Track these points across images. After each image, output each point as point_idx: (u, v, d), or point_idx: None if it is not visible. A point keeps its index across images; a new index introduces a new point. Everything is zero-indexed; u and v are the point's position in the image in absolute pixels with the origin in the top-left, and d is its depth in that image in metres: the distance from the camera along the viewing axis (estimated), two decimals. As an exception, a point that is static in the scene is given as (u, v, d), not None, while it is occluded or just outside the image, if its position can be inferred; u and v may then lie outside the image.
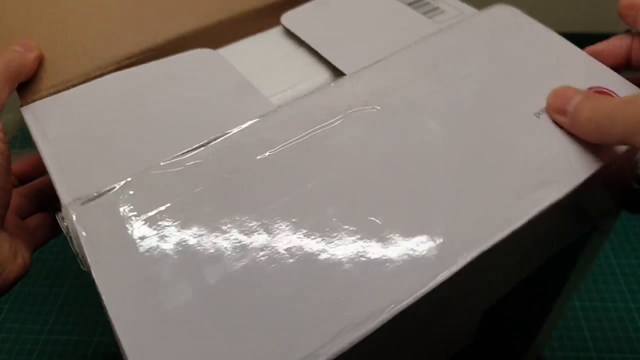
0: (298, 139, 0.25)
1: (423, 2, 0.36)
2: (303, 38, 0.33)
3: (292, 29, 0.34)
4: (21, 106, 0.30)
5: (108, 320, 0.19)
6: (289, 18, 0.35)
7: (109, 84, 0.30)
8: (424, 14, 0.35)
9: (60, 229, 0.23)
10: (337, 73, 0.31)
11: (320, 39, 0.33)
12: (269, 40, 0.35)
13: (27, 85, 0.30)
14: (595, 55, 0.29)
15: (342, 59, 0.31)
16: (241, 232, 0.22)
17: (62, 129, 0.28)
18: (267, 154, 0.24)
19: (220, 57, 0.32)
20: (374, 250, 0.21)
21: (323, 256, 0.21)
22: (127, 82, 0.30)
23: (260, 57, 0.34)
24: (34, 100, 0.30)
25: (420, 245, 0.21)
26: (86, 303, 0.59)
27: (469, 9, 0.36)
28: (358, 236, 0.21)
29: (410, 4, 0.36)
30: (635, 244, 0.62)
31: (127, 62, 0.32)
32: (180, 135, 0.26)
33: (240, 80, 0.30)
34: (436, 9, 0.36)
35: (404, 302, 0.19)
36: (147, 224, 0.22)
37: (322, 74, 0.32)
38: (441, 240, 0.21)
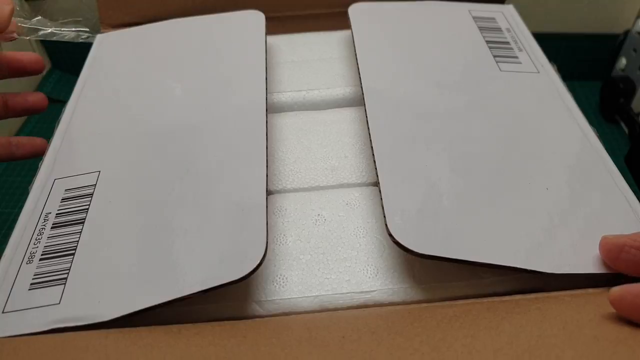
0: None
1: (505, 45, 0.32)
2: (355, 37, 0.31)
3: (352, 22, 0.32)
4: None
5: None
6: (357, 10, 0.33)
7: (163, 28, 0.33)
8: (496, 57, 0.31)
9: None
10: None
11: (371, 45, 0.31)
12: (329, 40, 0.35)
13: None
14: None
15: (372, 76, 0.29)
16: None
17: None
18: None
19: (261, 27, 0.32)
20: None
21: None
22: (179, 29, 0.33)
23: (308, 52, 0.34)
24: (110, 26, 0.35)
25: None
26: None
27: (549, 68, 0.31)
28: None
29: (489, 42, 0.32)
30: None
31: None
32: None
33: (257, 62, 0.30)
34: (514, 57, 0.31)
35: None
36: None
37: (347, 87, 0.31)
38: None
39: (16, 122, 0.48)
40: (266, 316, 0.21)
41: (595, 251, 0.21)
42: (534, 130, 0.27)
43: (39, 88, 0.50)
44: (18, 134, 0.47)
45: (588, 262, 0.21)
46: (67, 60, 0.51)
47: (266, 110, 0.26)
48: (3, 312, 0.20)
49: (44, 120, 0.49)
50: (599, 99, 0.48)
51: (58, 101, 0.50)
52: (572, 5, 0.47)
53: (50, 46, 0.51)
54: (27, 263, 0.21)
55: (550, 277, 0.21)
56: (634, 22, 0.45)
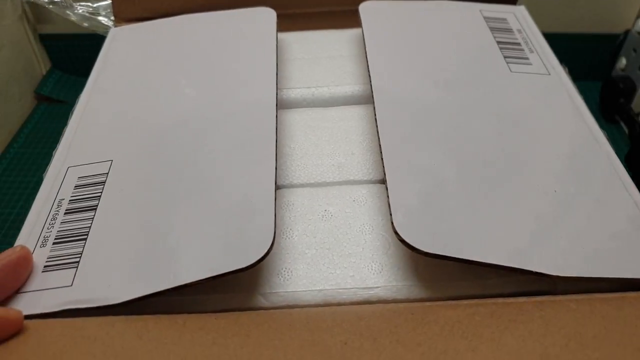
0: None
1: (516, 46, 0.32)
2: (365, 35, 0.31)
3: (363, 21, 0.32)
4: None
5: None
6: (368, 8, 0.34)
7: (175, 23, 0.34)
8: (507, 58, 0.31)
9: None
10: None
11: (381, 43, 0.31)
12: (340, 38, 0.35)
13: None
14: None
15: (382, 74, 0.29)
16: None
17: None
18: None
19: (272, 24, 0.32)
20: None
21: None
22: (191, 25, 0.34)
23: (318, 49, 0.34)
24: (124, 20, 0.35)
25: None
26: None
27: (559, 70, 0.31)
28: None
29: (500, 43, 0.32)
30: None
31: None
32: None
33: (268, 58, 0.30)
34: (525, 58, 0.31)
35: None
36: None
37: (356, 84, 0.32)
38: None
39: (16, 122, 0.48)
40: (270, 308, 0.21)
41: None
42: (544, 132, 0.27)
43: (39, 88, 0.51)
44: (19, 133, 0.48)
45: (594, 265, 0.21)
46: (67, 60, 0.51)
47: (276, 106, 0.27)
48: (18, 292, 0.21)
49: (44, 121, 0.50)
50: (599, 99, 0.48)
51: (58, 101, 0.50)
52: (572, 5, 0.46)
53: (50, 46, 0.51)
54: (40, 246, 0.22)
55: (555, 279, 0.21)
56: (634, 22, 0.45)
